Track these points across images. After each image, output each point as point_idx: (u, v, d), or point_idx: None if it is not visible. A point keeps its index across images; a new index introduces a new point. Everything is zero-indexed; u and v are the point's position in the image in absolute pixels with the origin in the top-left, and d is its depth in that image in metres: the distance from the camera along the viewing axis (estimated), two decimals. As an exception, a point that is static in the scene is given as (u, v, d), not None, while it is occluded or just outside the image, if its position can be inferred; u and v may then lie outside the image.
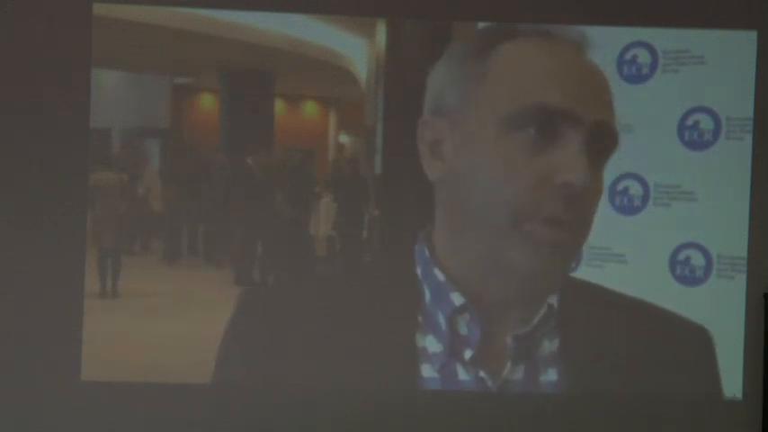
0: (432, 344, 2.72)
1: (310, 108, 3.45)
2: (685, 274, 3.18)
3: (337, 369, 3.05)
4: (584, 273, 3.14)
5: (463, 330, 2.66)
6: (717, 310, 3.16)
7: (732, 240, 3.19)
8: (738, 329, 3.18)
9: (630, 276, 3.11)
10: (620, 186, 3.18)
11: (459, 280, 2.61)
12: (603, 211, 3.17)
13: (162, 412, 3.11)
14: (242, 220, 3.24)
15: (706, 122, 3.18)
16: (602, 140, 2.56)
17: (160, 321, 3.12)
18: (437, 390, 2.84)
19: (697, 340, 3.00)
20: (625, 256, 3.16)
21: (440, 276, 2.62)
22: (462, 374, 2.75)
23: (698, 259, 3.18)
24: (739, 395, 3.19)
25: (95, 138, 3.15)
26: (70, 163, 3.11)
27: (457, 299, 2.62)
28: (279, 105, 3.29)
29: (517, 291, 2.62)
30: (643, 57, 3.17)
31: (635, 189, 3.18)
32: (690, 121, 3.18)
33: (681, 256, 3.18)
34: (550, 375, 2.78)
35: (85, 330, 3.10)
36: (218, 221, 3.25)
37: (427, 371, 2.77)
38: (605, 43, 3.16)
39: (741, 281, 3.19)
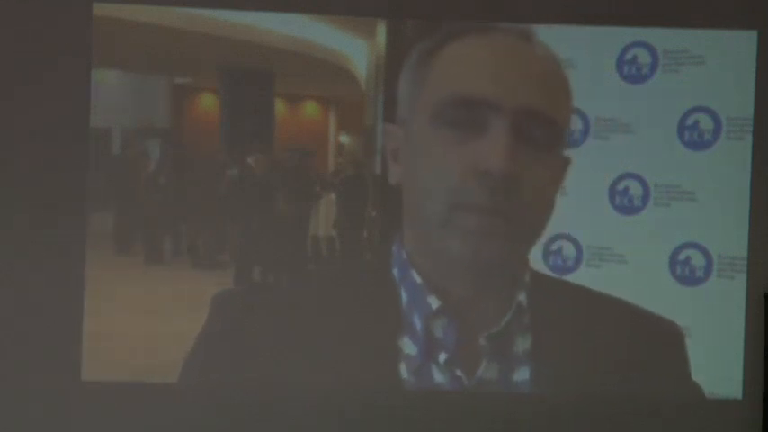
0: (407, 346, 2.72)
1: (310, 108, 3.45)
2: (685, 274, 3.18)
3: (324, 368, 3.05)
4: (584, 273, 3.15)
5: (438, 333, 2.66)
6: (717, 310, 3.16)
7: (732, 240, 3.19)
8: (738, 329, 3.19)
9: (630, 276, 3.11)
10: (620, 186, 3.18)
11: (434, 282, 2.62)
12: (603, 211, 3.18)
13: (162, 412, 3.12)
14: (242, 220, 3.24)
15: (706, 122, 3.18)
16: (530, 128, 2.55)
17: (160, 321, 3.12)
18: (414, 389, 2.84)
19: (667, 336, 2.95)
20: (625, 256, 3.16)
21: (417, 279, 2.64)
22: (438, 376, 2.75)
23: (698, 259, 3.18)
24: (739, 395, 3.19)
25: (95, 138, 3.15)
26: (70, 163, 3.11)
27: (434, 302, 2.62)
28: (279, 105, 3.29)
29: (477, 285, 2.63)
30: (643, 57, 3.17)
31: (635, 189, 3.18)
32: (690, 121, 3.18)
33: (681, 256, 3.18)
34: (523, 374, 2.77)
35: (85, 330, 3.10)
36: (218, 221, 3.25)
37: (404, 371, 2.76)
38: (605, 43, 3.17)
39: (741, 281, 3.19)
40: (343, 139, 3.38)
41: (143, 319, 3.12)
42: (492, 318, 2.66)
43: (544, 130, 2.59)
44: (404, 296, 2.68)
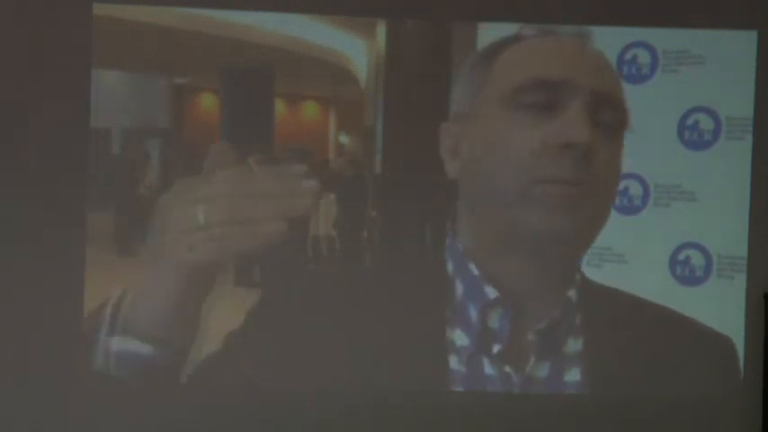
0: (460, 338, 2.74)
1: (310, 108, 3.45)
2: (685, 274, 3.18)
3: (342, 369, 3.05)
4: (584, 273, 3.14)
5: (494, 324, 2.68)
6: (717, 310, 3.16)
7: (732, 240, 3.19)
8: (738, 329, 3.18)
9: (630, 276, 3.11)
10: (620, 186, 3.18)
11: (491, 272, 2.65)
12: (603, 211, 3.18)
13: (162, 412, 3.12)
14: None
15: (706, 122, 3.18)
16: (606, 108, 2.64)
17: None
18: (461, 391, 2.85)
19: (722, 350, 3.05)
20: (625, 256, 3.16)
21: (474, 270, 2.66)
22: (488, 368, 2.76)
23: (698, 259, 3.18)
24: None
25: (95, 138, 3.15)
26: (70, 163, 3.11)
27: (491, 292, 2.65)
28: (279, 105, 3.29)
29: (536, 275, 2.65)
30: (643, 57, 3.17)
31: (635, 189, 3.18)
32: (690, 121, 3.18)
33: (681, 256, 3.18)
34: (574, 375, 2.79)
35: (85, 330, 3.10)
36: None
37: (454, 363, 2.78)
38: (605, 43, 3.16)
39: (741, 281, 3.19)
40: (343, 139, 3.38)
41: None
42: (543, 313, 2.69)
43: (616, 114, 2.68)
44: (459, 288, 2.71)
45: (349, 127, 3.38)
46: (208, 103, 3.31)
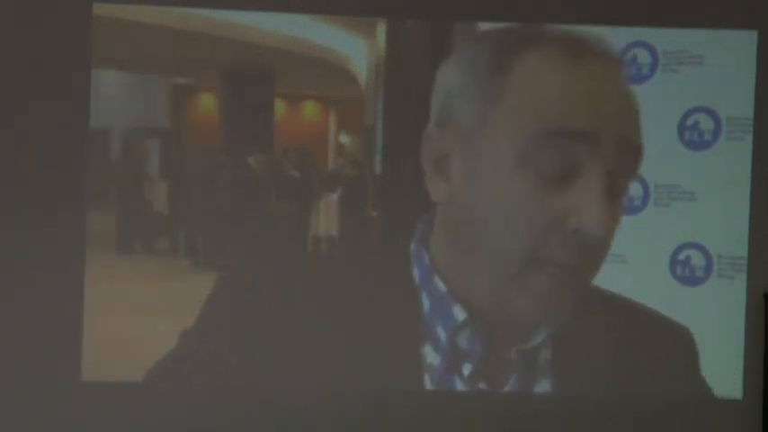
0: (430, 354, 2.61)
1: (310, 108, 3.45)
2: (685, 274, 3.18)
3: (333, 371, 3.05)
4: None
5: (463, 345, 2.54)
6: (717, 310, 3.16)
7: (732, 240, 3.19)
8: (738, 329, 3.18)
9: (630, 277, 3.11)
10: (620, 186, 3.18)
11: (460, 293, 2.48)
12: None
13: (162, 412, 3.12)
14: (242, 220, 3.24)
15: (706, 122, 3.18)
16: (624, 161, 2.38)
17: (160, 321, 3.12)
18: (430, 391, 2.79)
19: (679, 340, 2.93)
20: (625, 257, 3.15)
21: (441, 287, 2.49)
22: (460, 387, 2.67)
23: (698, 259, 3.18)
24: (739, 395, 3.19)
25: (95, 138, 3.15)
26: (70, 163, 3.11)
27: (459, 313, 2.49)
28: (279, 105, 3.29)
29: (507, 297, 2.47)
30: (643, 57, 3.17)
31: (635, 189, 3.17)
32: (690, 121, 3.18)
33: (681, 256, 3.18)
34: (544, 386, 2.72)
35: (85, 330, 3.10)
36: (218, 221, 3.25)
37: (426, 381, 2.68)
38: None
39: (741, 281, 3.19)
40: (343, 139, 3.38)
41: (143, 319, 3.12)
42: (524, 331, 2.53)
43: (635, 162, 2.43)
44: (425, 303, 2.54)
45: (349, 127, 3.38)
46: (208, 103, 3.31)
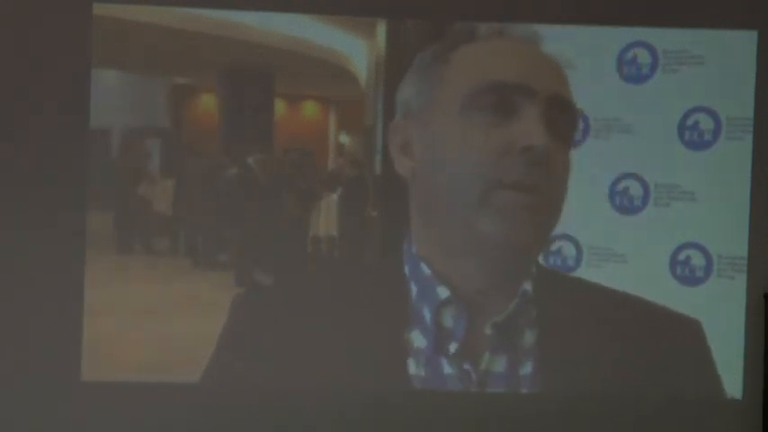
0: (417, 339, 2.72)
1: (310, 108, 3.45)
2: (685, 274, 3.18)
3: (333, 369, 3.05)
4: (584, 273, 3.15)
5: (448, 323, 2.66)
6: (717, 310, 3.16)
7: (732, 240, 3.19)
8: (738, 329, 3.19)
9: (631, 276, 3.11)
10: (620, 186, 3.18)
11: (443, 273, 2.64)
12: (603, 211, 3.18)
13: (162, 412, 3.12)
14: (242, 220, 3.24)
15: (706, 122, 3.18)
16: (560, 114, 2.61)
17: (160, 321, 3.12)
18: (423, 389, 2.82)
19: (688, 334, 2.97)
20: (625, 256, 3.16)
21: (426, 270, 2.65)
22: (447, 368, 2.73)
23: (698, 259, 3.18)
24: (739, 395, 3.19)
25: (95, 138, 3.15)
26: (70, 163, 3.11)
27: (442, 292, 2.64)
28: (279, 105, 3.29)
29: (488, 274, 2.64)
30: (643, 57, 3.17)
31: (635, 189, 3.18)
32: (690, 121, 3.18)
33: (681, 256, 3.18)
34: (527, 368, 2.76)
35: (85, 330, 3.10)
36: (218, 221, 3.25)
37: (413, 367, 2.76)
38: (605, 43, 3.17)
39: (741, 281, 3.19)
40: (343, 139, 3.38)
41: (143, 319, 3.12)
42: (498, 307, 2.67)
43: (568, 119, 2.69)
44: (414, 289, 2.69)
45: (349, 127, 3.38)
46: (208, 103, 3.31)
